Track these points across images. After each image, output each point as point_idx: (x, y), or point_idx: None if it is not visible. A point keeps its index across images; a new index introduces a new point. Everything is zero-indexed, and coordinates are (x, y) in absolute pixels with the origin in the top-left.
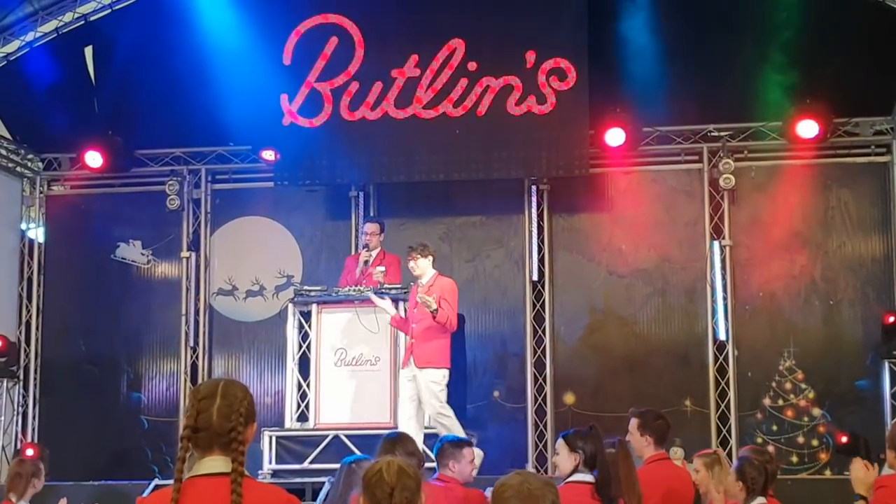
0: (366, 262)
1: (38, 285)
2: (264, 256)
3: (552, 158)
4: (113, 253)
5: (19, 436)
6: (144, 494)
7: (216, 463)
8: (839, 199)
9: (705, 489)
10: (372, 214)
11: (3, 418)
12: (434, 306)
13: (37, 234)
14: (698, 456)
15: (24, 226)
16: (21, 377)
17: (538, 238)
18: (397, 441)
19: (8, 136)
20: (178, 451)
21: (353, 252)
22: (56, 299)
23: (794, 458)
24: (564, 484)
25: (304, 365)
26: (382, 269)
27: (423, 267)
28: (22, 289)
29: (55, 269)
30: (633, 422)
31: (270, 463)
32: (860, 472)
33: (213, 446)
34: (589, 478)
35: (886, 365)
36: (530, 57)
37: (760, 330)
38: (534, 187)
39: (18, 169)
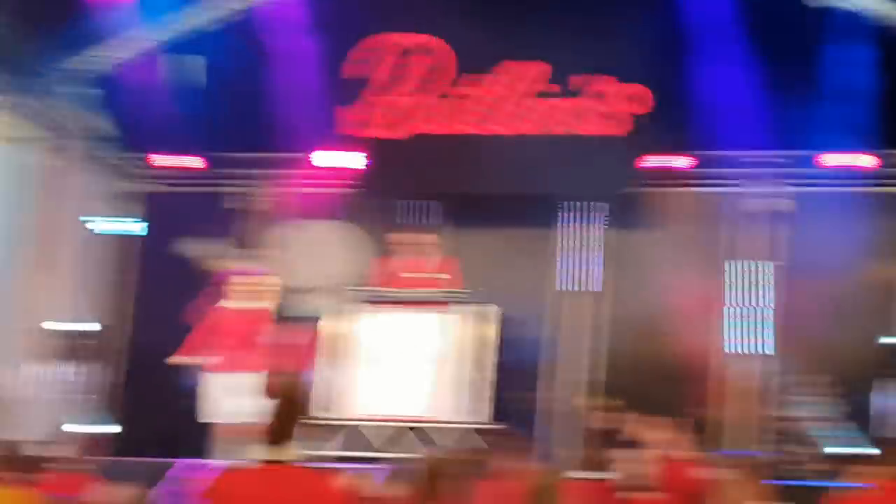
0: (422, 266)
1: (132, 276)
2: (318, 258)
3: (597, 178)
4: (176, 248)
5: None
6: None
7: (278, 452)
8: (866, 227)
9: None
10: (426, 223)
11: (73, 397)
12: None
13: (133, 227)
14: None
15: (116, 219)
16: (92, 361)
17: (568, 252)
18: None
19: (109, 134)
20: (247, 443)
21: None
22: (146, 290)
23: (802, 469)
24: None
25: (357, 359)
26: (445, 276)
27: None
28: (94, 278)
29: (144, 262)
30: (672, 421)
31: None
32: None
33: (275, 440)
34: (601, 475)
35: (888, 387)
36: (595, 81)
37: (768, 347)
38: (567, 203)
39: (118, 166)
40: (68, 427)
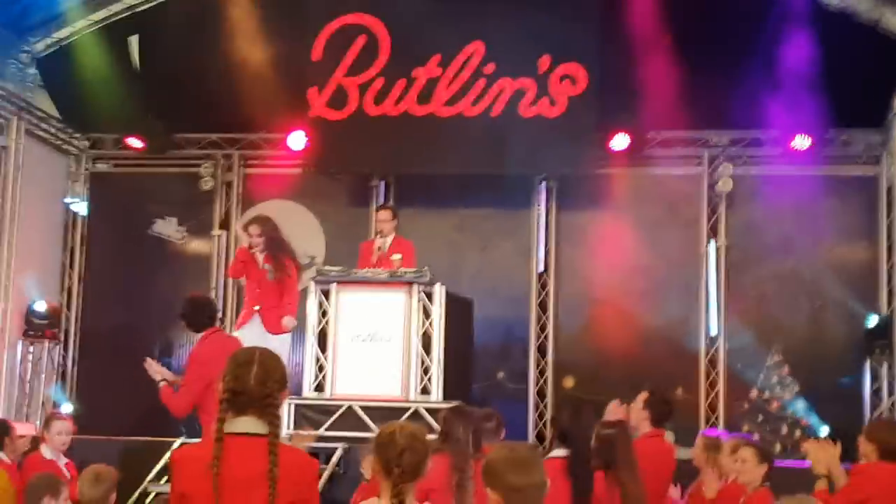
0: (380, 248)
1: (81, 255)
2: (290, 238)
3: (560, 158)
4: (150, 228)
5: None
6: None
7: (251, 423)
8: (829, 207)
9: (701, 467)
10: (389, 203)
11: (43, 376)
12: None
13: (80, 207)
14: (701, 436)
15: (69, 199)
16: (62, 339)
17: (545, 232)
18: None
19: (57, 115)
20: (218, 412)
21: (370, 237)
22: (96, 269)
23: (777, 447)
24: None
25: (322, 340)
26: (399, 256)
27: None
28: (65, 258)
29: (96, 241)
30: (642, 395)
31: (288, 428)
32: (817, 453)
33: (248, 409)
34: (562, 453)
35: (866, 363)
36: (544, 61)
37: (750, 326)
38: (542, 184)
39: (65, 146)
40: (43, 406)
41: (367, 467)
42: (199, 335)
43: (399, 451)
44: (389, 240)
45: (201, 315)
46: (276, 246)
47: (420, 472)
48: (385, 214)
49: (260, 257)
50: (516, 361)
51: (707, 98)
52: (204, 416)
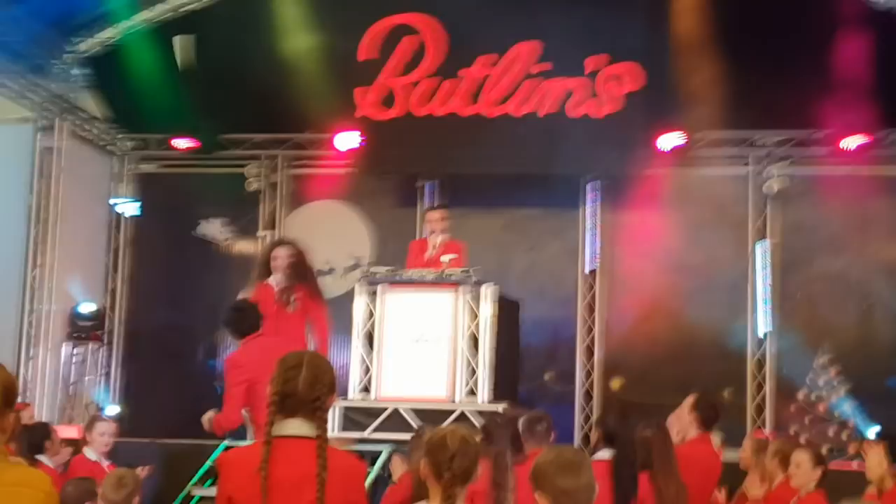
0: (434, 248)
1: (126, 256)
2: (336, 238)
3: (609, 158)
4: (195, 229)
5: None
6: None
7: (300, 426)
8: (878, 207)
9: (747, 468)
10: (437, 203)
11: (87, 378)
12: None
13: (125, 208)
14: (750, 438)
15: (114, 201)
16: (106, 341)
17: (592, 232)
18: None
19: (102, 116)
20: (267, 415)
21: (417, 237)
22: (141, 270)
23: (825, 449)
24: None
25: (369, 341)
26: (450, 257)
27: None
28: (109, 259)
29: (141, 242)
30: (689, 399)
31: (333, 430)
32: (874, 459)
33: (297, 412)
34: (606, 455)
35: None
36: (593, 61)
37: (798, 327)
38: (590, 184)
39: (110, 147)
40: (87, 409)
41: (397, 469)
42: (241, 341)
43: (450, 456)
44: (441, 239)
45: (243, 322)
46: (301, 274)
47: (471, 475)
48: (440, 213)
49: (278, 284)
50: (563, 363)
51: (755, 98)
52: (254, 420)
